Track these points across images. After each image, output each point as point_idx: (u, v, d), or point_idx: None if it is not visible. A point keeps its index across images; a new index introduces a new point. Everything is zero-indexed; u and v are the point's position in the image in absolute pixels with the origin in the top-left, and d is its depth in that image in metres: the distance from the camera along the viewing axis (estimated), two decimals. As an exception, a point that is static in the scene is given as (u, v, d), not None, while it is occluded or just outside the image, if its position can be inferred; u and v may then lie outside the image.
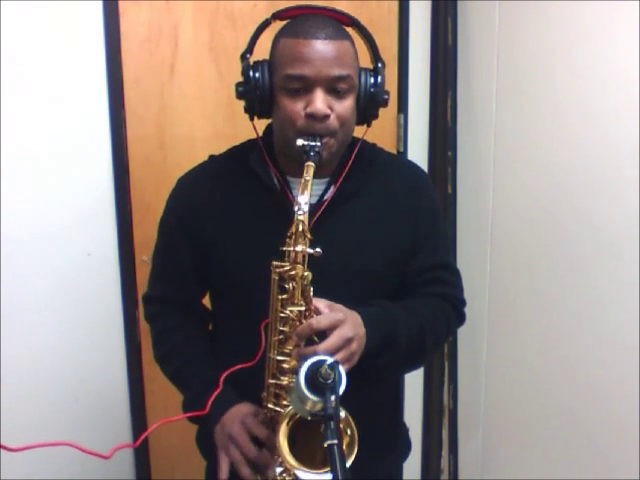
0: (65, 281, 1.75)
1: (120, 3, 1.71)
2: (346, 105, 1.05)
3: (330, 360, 0.85)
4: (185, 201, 1.19)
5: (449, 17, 2.00)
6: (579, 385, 1.73)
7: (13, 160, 1.62)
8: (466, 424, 2.20)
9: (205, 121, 1.87)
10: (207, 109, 1.86)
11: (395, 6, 2.03)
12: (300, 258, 0.98)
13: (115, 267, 1.81)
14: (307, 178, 0.99)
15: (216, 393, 1.04)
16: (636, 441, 1.56)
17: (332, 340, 0.95)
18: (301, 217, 0.97)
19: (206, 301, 1.30)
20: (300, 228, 0.97)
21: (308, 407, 0.85)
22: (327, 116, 1.02)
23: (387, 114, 2.04)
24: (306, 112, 1.02)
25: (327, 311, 0.99)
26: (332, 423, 0.78)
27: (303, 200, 0.97)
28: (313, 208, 1.09)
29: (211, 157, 1.24)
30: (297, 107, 1.03)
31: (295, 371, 0.99)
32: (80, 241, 1.75)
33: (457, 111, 2.08)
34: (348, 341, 0.97)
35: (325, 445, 0.76)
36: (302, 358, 0.93)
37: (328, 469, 0.83)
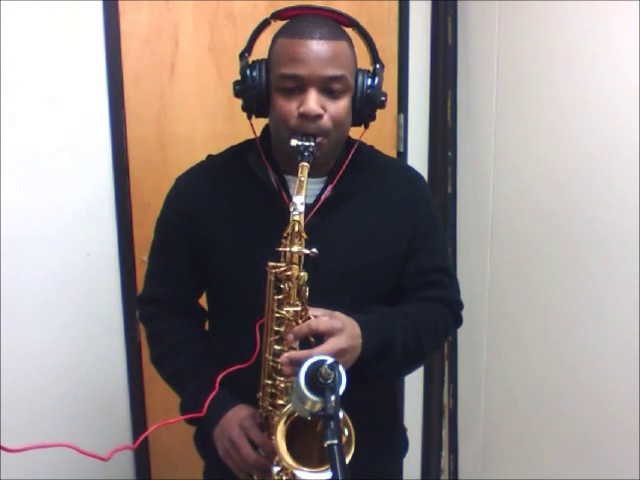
0: (65, 281, 1.75)
1: (120, 3, 1.71)
2: (340, 106, 1.05)
3: (330, 360, 0.85)
4: (183, 200, 1.19)
5: (449, 17, 2.00)
6: (579, 385, 1.73)
7: (13, 160, 1.62)
8: (466, 424, 2.20)
9: (205, 121, 1.87)
10: (207, 109, 1.86)
11: (395, 6, 2.03)
12: (296, 259, 0.98)
13: (115, 267, 1.81)
14: (302, 178, 0.99)
15: (212, 395, 1.04)
16: (636, 441, 1.56)
17: (325, 348, 0.95)
18: (297, 217, 0.97)
19: (202, 301, 1.29)
20: (296, 228, 0.97)
21: (308, 407, 0.85)
22: (320, 116, 1.02)
23: (387, 114, 2.04)
24: (299, 112, 1.02)
25: (326, 318, 0.99)
26: (332, 423, 0.78)
27: (299, 200, 0.97)
28: (309, 208, 1.09)
29: (209, 157, 1.24)
30: (291, 107, 1.03)
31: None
32: (80, 241, 1.75)
33: (457, 111, 2.08)
34: (341, 352, 0.97)
35: (325, 445, 0.76)
36: (292, 363, 0.93)
37: (326, 467, 0.83)
